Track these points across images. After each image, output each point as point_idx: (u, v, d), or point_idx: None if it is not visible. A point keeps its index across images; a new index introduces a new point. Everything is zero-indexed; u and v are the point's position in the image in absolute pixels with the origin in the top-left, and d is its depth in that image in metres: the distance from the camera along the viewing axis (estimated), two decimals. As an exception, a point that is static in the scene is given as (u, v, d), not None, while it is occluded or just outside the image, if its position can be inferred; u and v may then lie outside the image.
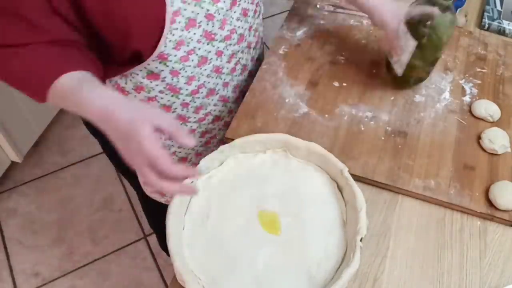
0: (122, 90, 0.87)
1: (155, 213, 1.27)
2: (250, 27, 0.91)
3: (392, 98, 0.97)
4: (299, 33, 1.08)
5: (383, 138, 0.91)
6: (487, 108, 0.95)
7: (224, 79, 0.92)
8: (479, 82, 1.02)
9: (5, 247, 1.71)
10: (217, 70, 0.88)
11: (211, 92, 0.92)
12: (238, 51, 0.90)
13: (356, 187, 0.74)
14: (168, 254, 1.54)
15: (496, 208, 0.82)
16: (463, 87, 1.01)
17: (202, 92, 0.89)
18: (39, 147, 1.95)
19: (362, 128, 0.92)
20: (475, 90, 1.00)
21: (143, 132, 0.61)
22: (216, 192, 0.76)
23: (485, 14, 1.15)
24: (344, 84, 0.99)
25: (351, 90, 0.98)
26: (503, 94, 1.00)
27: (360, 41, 1.07)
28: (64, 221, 1.78)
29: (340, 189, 0.77)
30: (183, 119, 0.93)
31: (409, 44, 0.87)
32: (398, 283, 0.75)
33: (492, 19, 1.13)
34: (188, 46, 0.78)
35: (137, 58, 0.78)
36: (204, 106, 0.93)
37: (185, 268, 0.66)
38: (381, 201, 0.84)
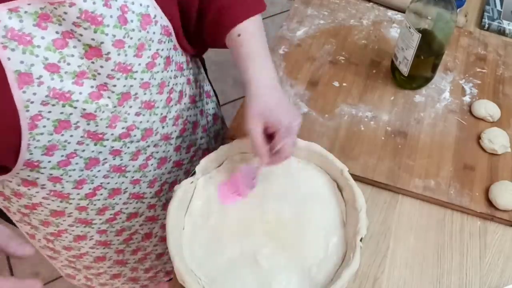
0: (2, 194, 0.78)
1: None
2: (164, 117, 0.78)
3: (392, 98, 0.97)
4: (299, 33, 1.08)
5: (383, 138, 0.91)
6: (487, 108, 0.95)
7: (133, 177, 0.80)
8: (479, 82, 1.02)
9: (5, 247, 1.70)
10: (118, 169, 0.77)
11: (116, 191, 0.80)
12: (147, 146, 0.78)
13: (356, 187, 0.73)
14: None
15: (496, 208, 0.82)
16: (463, 87, 1.01)
17: (101, 194, 0.79)
18: (39, 147, 1.95)
19: (362, 128, 0.92)
20: (475, 90, 1.00)
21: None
22: (216, 192, 0.76)
23: (485, 14, 1.15)
24: (344, 84, 0.99)
25: (351, 90, 0.98)
26: (503, 94, 1.00)
27: (360, 41, 1.07)
28: (64, 221, 1.78)
29: (340, 189, 0.77)
30: (86, 222, 0.83)
31: (413, 38, 0.87)
32: (398, 283, 0.75)
33: (492, 19, 1.14)
34: (65, 150, 0.67)
35: (3, 168, 0.67)
36: (110, 206, 0.82)
37: (185, 268, 0.66)
38: (381, 201, 0.84)
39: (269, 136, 0.71)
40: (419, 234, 0.80)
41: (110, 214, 0.84)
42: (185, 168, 0.92)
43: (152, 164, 0.82)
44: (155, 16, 0.66)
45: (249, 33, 0.74)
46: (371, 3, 1.17)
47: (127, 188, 0.81)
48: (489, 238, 0.81)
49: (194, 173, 0.75)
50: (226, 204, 0.74)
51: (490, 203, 0.83)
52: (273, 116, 0.69)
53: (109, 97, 0.66)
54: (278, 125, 0.69)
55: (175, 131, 0.83)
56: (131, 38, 0.63)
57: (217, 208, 0.74)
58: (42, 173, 0.69)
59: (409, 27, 0.86)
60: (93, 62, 0.62)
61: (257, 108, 0.69)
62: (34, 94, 0.58)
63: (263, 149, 0.69)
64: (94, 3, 0.57)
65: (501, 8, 1.17)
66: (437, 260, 0.78)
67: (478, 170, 0.87)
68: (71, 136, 0.66)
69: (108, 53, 0.61)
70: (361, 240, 0.68)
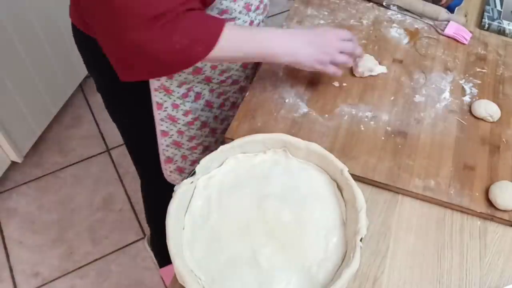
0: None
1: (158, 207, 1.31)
2: None
3: (392, 98, 0.97)
4: (299, 33, 1.08)
5: (383, 138, 0.91)
6: (487, 108, 0.95)
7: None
8: (479, 82, 1.02)
9: (5, 247, 1.71)
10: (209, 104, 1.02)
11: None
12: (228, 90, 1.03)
13: (356, 187, 0.73)
14: (153, 248, 1.55)
15: (496, 208, 0.82)
16: (463, 87, 1.01)
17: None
18: (39, 147, 1.95)
19: (362, 128, 0.92)
20: (475, 90, 1.00)
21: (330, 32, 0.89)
22: (216, 192, 0.76)
23: (485, 14, 1.15)
24: (344, 84, 0.99)
25: (351, 90, 0.98)
26: (503, 94, 1.00)
27: (360, 41, 1.07)
28: (64, 221, 1.78)
29: (340, 189, 0.77)
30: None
31: None
32: (398, 283, 0.75)
33: (492, 19, 1.13)
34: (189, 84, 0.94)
35: None
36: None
37: (185, 268, 0.66)
38: (381, 201, 0.84)
39: None
40: (419, 234, 0.80)
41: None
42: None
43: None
44: None
45: None
46: (371, 3, 1.17)
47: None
48: (489, 238, 0.81)
49: (194, 173, 0.75)
50: None
51: (490, 203, 0.83)
52: None
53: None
54: None
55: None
56: None
57: (217, 208, 0.74)
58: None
59: None
60: None
61: None
62: None
63: None
64: None
65: (501, 8, 1.17)
66: (437, 260, 0.78)
67: (478, 170, 0.87)
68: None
69: None
70: (361, 240, 0.68)
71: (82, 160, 1.95)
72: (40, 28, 1.69)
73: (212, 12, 0.84)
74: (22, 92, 1.69)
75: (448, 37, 1.10)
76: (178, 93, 0.96)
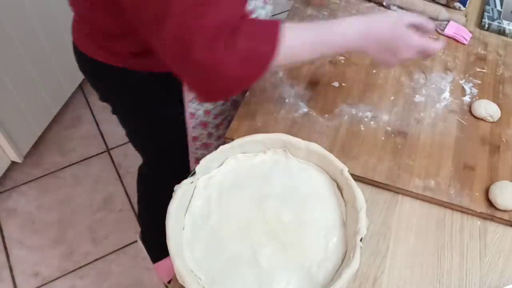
0: None
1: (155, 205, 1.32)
2: None
3: (392, 98, 0.97)
4: (299, 33, 1.08)
5: (383, 138, 0.91)
6: (487, 108, 0.95)
7: None
8: (479, 82, 1.02)
9: (5, 247, 1.70)
10: None
11: None
12: None
13: (356, 187, 0.73)
14: (145, 243, 1.55)
15: (496, 208, 0.82)
16: (463, 87, 1.01)
17: None
18: (39, 147, 1.95)
19: (362, 128, 0.92)
20: (475, 90, 1.00)
21: (407, 32, 0.78)
22: (216, 192, 0.76)
23: (485, 14, 1.15)
24: (344, 84, 0.99)
25: (351, 90, 0.98)
26: (503, 94, 1.00)
27: (360, 41, 1.07)
28: (64, 221, 1.78)
29: (340, 189, 0.77)
30: None
31: None
32: (398, 283, 0.75)
33: (492, 19, 1.14)
34: None
35: None
36: None
37: (185, 268, 0.66)
38: (381, 201, 0.84)
39: None
40: (419, 234, 0.80)
41: None
42: None
43: None
44: None
45: None
46: (371, 3, 1.17)
47: None
48: (489, 238, 0.81)
49: (194, 173, 0.75)
50: None
51: (490, 203, 0.83)
52: None
53: None
54: None
55: None
56: None
57: (217, 208, 0.74)
58: None
59: None
60: None
61: None
62: None
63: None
64: None
65: (501, 8, 1.17)
66: (437, 260, 0.78)
67: (478, 170, 0.87)
68: None
69: None
70: (361, 240, 0.68)
71: (82, 160, 1.95)
72: (40, 28, 1.69)
73: None
74: (22, 92, 1.69)
75: (448, 37, 1.10)
76: None
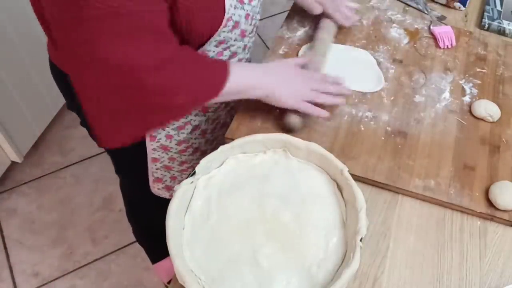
0: None
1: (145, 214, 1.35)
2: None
3: (392, 98, 0.97)
4: (299, 33, 1.08)
5: (383, 138, 0.91)
6: (487, 108, 0.95)
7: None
8: (479, 82, 1.02)
9: (5, 247, 1.71)
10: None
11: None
12: None
13: (356, 187, 0.73)
14: (141, 244, 1.55)
15: (496, 208, 0.82)
16: (463, 87, 1.01)
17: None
18: (39, 147, 1.95)
19: (362, 128, 0.92)
20: (475, 90, 1.00)
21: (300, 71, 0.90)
22: (216, 192, 0.76)
23: (485, 14, 1.15)
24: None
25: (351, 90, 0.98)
26: (503, 94, 1.00)
27: (360, 41, 1.07)
28: (64, 221, 1.78)
29: (340, 189, 0.77)
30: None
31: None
32: (398, 283, 0.75)
33: (492, 19, 1.14)
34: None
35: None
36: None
37: (185, 268, 0.66)
38: (381, 201, 0.84)
39: None
40: (419, 234, 0.80)
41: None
42: None
43: None
44: None
45: None
46: (371, 3, 1.17)
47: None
48: (489, 238, 0.81)
49: (194, 173, 0.75)
50: None
51: (490, 203, 0.83)
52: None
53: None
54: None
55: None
56: None
57: (217, 208, 0.74)
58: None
59: None
60: None
61: None
62: None
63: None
64: None
65: (501, 8, 1.17)
66: (437, 260, 0.78)
67: (478, 170, 0.87)
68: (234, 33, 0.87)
69: None
70: (361, 240, 0.68)
71: (82, 160, 1.95)
72: (41, 28, 1.69)
73: (210, 45, 0.84)
74: (22, 92, 1.69)
75: (432, 34, 1.09)
76: (173, 124, 0.95)
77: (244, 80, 0.83)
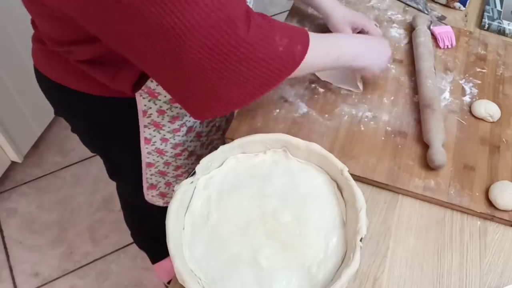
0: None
1: (140, 219, 1.36)
2: None
3: (392, 98, 0.97)
4: (299, 33, 1.08)
5: (383, 138, 0.91)
6: (487, 108, 0.95)
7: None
8: (479, 82, 1.02)
9: (5, 247, 1.71)
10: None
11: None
12: None
13: (356, 187, 0.73)
14: (139, 247, 1.55)
15: (496, 208, 0.82)
16: (463, 87, 1.01)
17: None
18: (39, 147, 1.95)
19: (362, 128, 0.92)
20: (475, 90, 1.00)
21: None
22: (217, 192, 0.76)
23: (485, 14, 1.15)
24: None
25: (351, 90, 0.98)
26: (503, 94, 1.00)
27: (360, 41, 1.07)
28: (64, 221, 1.78)
29: (340, 189, 0.77)
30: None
31: None
32: (398, 283, 0.75)
33: (492, 19, 1.14)
34: None
35: None
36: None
37: (185, 268, 0.66)
38: (381, 201, 0.84)
39: None
40: (419, 234, 0.80)
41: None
42: None
43: None
44: None
45: None
46: (371, 3, 1.17)
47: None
48: (489, 238, 0.81)
49: (194, 173, 0.75)
50: None
51: (490, 203, 0.83)
52: (357, 20, 0.99)
53: None
54: (365, 24, 0.99)
55: None
56: None
57: (217, 208, 0.74)
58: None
59: None
60: None
61: (342, 19, 0.98)
62: None
63: None
64: None
65: (501, 8, 1.17)
66: (437, 260, 0.78)
67: (478, 170, 0.87)
68: None
69: None
70: (361, 240, 0.68)
71: (82, 160, 1.95)
72: (40, 28, 1.69)
73: None
74: (22, 92, 1.69)
75: (432, 34, 1.10)
76: (168, 127, 0.93)
77: (347, 50, 0.83)
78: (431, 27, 1.10)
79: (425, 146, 0.89)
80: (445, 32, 1.09)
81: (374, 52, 0.88)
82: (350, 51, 0.83)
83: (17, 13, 1.57)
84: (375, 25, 1.02)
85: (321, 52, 0.76)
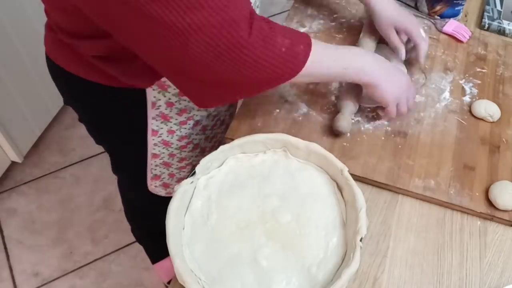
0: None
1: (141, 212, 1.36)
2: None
3: (392, 98, 0.97)
4: (299, 33, 1.08)
5: (383, 138, 0.91)
6: (487, 108, 0.95)
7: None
8: (479, 82, 1.02)
9: (5, 247, 1.71)
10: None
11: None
12: None
13: (356, 187, 0.73)
14: (140, 243, 1.55)
15: (496, 208, 0.82)
16: (463, 87, 1.01)
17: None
18: (39, 147, 1.95)
19: (362, 128, 0.92)
20: (475, 90, 1.00)
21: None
22: (217, 192, 0.76)
23: (485, 14, 1.15)
24: (344, 84, 0.99)
25: (351, 90, 0.98)
26: (503, 94, 1.00)
27: (360, 41, 1.07)
28: (64, 221, 1.78)
29: (340, 189, 0.77)
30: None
31: None
32: (398, 283, 0.75)
33: (492, 19, 1.13)
34: None
35: None
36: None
37: (185, 268, 0.66)
38: (381, 201, 0.84)
39: None
40: (419, 234, 0.80)
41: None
42: None
43: None
44: None
45: None
46: (371, 3, 1.16)
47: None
48: (489, 238, 0.81)
49: (194, 173, 0.75)
50: None
51: (490, 203, 0.83)
52: (401, 23, 0.94)
53: None
54: (408, 28, 0.94)
55: None
56: None
57: (217, 208, 0.74)
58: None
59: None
60: None
61: (385, 20, 0.94)
62: None
63: (401, 45, 0.95)
64: None
65: (501, 8, 1.17)
66: (437, 260, 0.78)
67: (478, 170, 0.87)
68: None
69: None
70: (361, 240, 0.68)
71: (82, 160, 1.95)
72: (41, 28, 1.68)
73: None
74: (22, 92, 1.69)
75: (447, 34, 1.10)
76: (176, 119, 0.94)
77: (355, 62, 0.80)
78: (442, 28, 1.10)
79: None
80: (456, 26, 1.10)
81: (383, 71, 0.83)
82: (357, 64, 0.80)
83: (17, 13, 1.58)
84: (423, 29, 0.96)
85: (326, 59, 0.76)
